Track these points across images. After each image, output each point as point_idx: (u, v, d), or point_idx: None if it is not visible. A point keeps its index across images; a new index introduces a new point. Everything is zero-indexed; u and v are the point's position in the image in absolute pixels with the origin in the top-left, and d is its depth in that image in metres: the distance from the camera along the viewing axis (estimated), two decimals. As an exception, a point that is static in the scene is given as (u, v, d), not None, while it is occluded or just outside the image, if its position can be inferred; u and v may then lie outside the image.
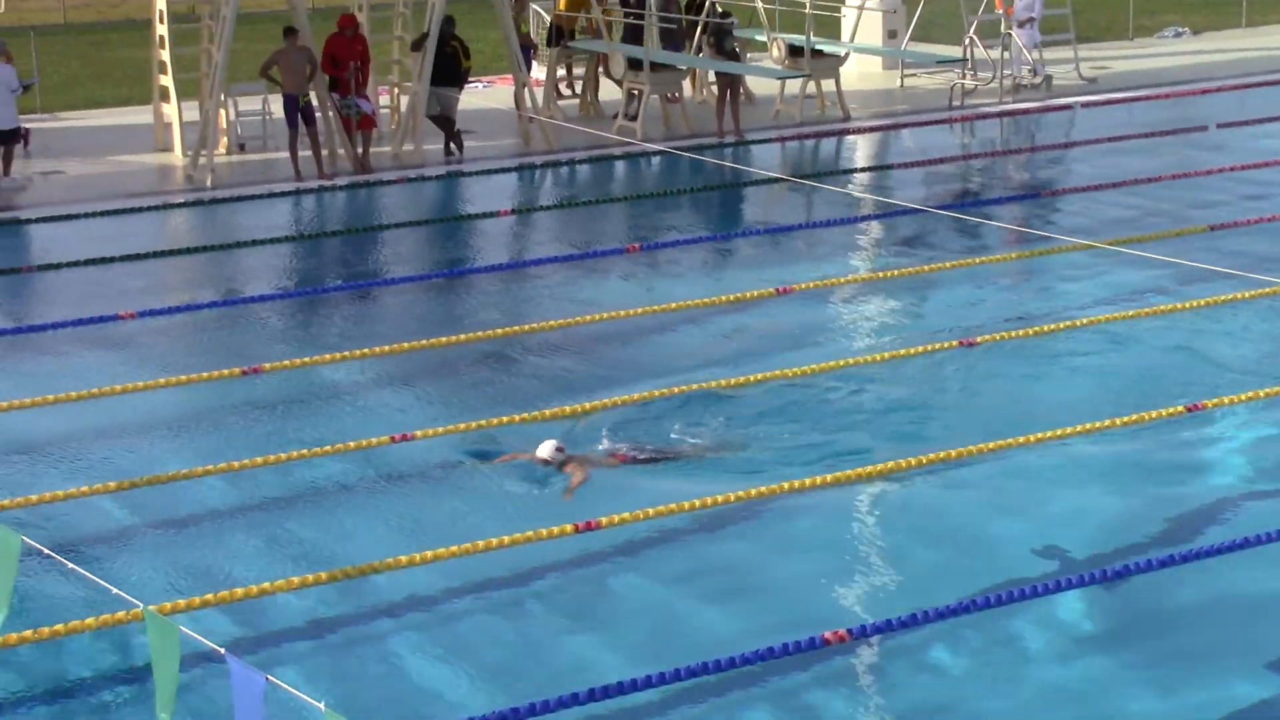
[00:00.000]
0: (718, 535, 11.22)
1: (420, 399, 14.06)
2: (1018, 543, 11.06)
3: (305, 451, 12.46)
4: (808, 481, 11.75)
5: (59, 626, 9.51)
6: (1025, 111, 27.09)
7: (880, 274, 17.63)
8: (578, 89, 28.22)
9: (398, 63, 25.99)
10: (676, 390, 13.69)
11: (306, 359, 14.79)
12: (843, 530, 11.30)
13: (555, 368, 14.84)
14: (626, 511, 11.15)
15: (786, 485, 11.68)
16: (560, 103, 27.36)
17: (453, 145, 24.51)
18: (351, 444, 12.59)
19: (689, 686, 9.10)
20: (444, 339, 15.26)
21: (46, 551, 7.08)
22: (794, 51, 26.95)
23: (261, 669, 5.62)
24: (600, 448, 12.49)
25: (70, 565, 6.72)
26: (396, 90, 26.01)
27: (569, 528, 10.86)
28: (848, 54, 27.85)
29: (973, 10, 28.55)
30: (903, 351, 14.75)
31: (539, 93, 26.23)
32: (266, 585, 10.12)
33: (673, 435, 12.77)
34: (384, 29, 26.18)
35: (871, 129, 26.13)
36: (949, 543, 11.12)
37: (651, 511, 11.17)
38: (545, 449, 12.17)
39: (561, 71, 28.36)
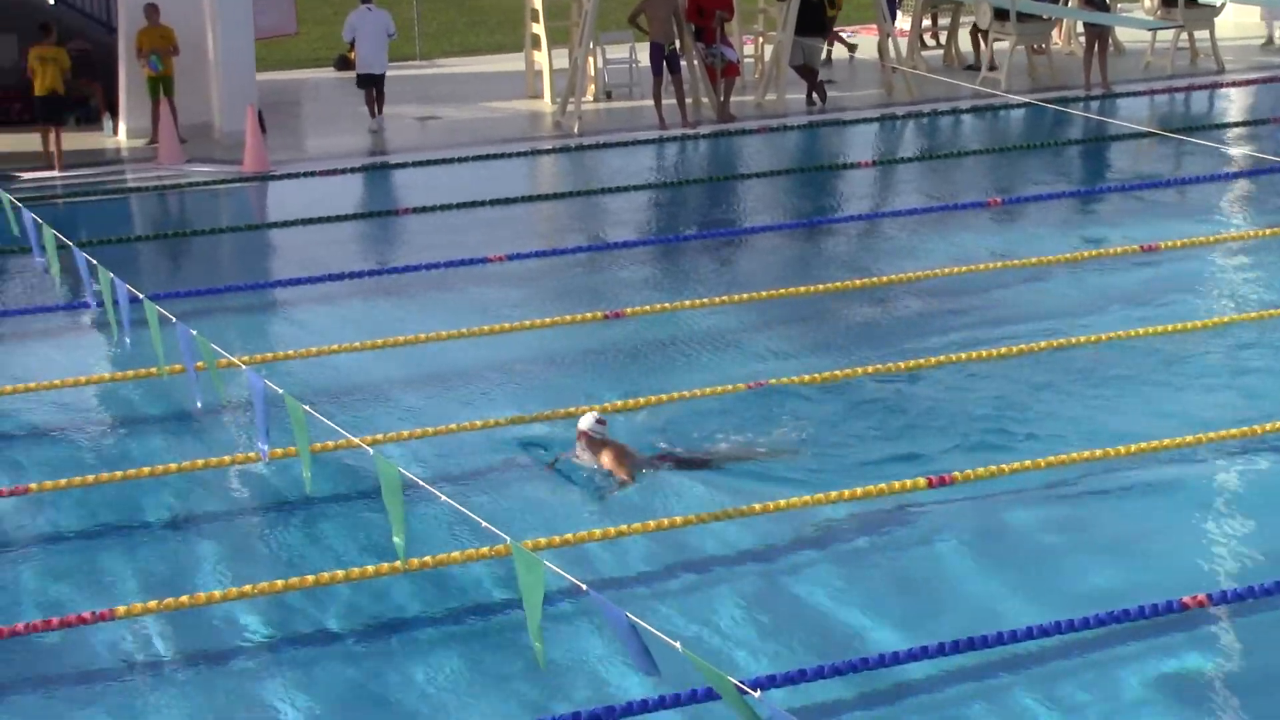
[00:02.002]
0: (1076, 494, 11.07)
1: (777, 347, 14.18)
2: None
3: (664, 396, 12.69)
4: (1167, 442, 11.51)
5: (427, 558, 9.95)
6: None
7: (1251, 233, 17.08)
8: (942, 39, 27.95)
9: (763, 12, 26.13)
10: (1042, 346, 13.53)
11: (666, 304, 15.04)
12: (1206, 493, 11.05)
13: (911, 319, 14.81)
14: (981, 467, 11.12)
15: (1147, 445, 11.47)
16: (924, 53, 27.14)
17: (815, 95, 24.55)
18: (708, 389, 12.78)
19: (1043, 644, 9.05)
20: (802, 288, 15.35)
21: (421, 484, 7.44)
22: (1167, 1, 26.21)
23: (621, 606, 5.81)
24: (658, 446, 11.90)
25: (443, 498, 7.06)
26: (761, 39, 26.16)
27: (922, 481, 10.88)
28: (1223, 4, 26.95)
29: (1361, -42, 27.33)
30: (1273, 313, 14.32)
31: (903, 43, 26.08)
32: (624, 527, 10.37)
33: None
34: (750, -22, 26.35)
35: (1246, 82, 25.26)
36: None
37: (1006, 468, 11.11)
38: (585, 420, 11.48)
39: (926, 22, 28.12)
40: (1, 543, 10.81)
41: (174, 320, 9.29)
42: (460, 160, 21.59)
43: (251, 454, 11.73)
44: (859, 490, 10.80)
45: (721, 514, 10.55)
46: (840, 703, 8.62)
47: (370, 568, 9.93)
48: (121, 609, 9.49)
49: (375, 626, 9.58)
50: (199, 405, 10.87)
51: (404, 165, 21.64)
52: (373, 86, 24.00)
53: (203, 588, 9.95)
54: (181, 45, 22.66)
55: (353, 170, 21.52)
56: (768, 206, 19.54)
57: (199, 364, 8.69)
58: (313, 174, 21.19)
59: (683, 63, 23.58)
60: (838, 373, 13.11)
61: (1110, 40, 25.81)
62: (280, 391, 7.74)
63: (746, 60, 26.03)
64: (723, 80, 23.92)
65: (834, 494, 10.74)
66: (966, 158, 21.45)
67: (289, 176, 21.09)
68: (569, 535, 10.26)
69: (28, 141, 22.33)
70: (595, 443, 11.36)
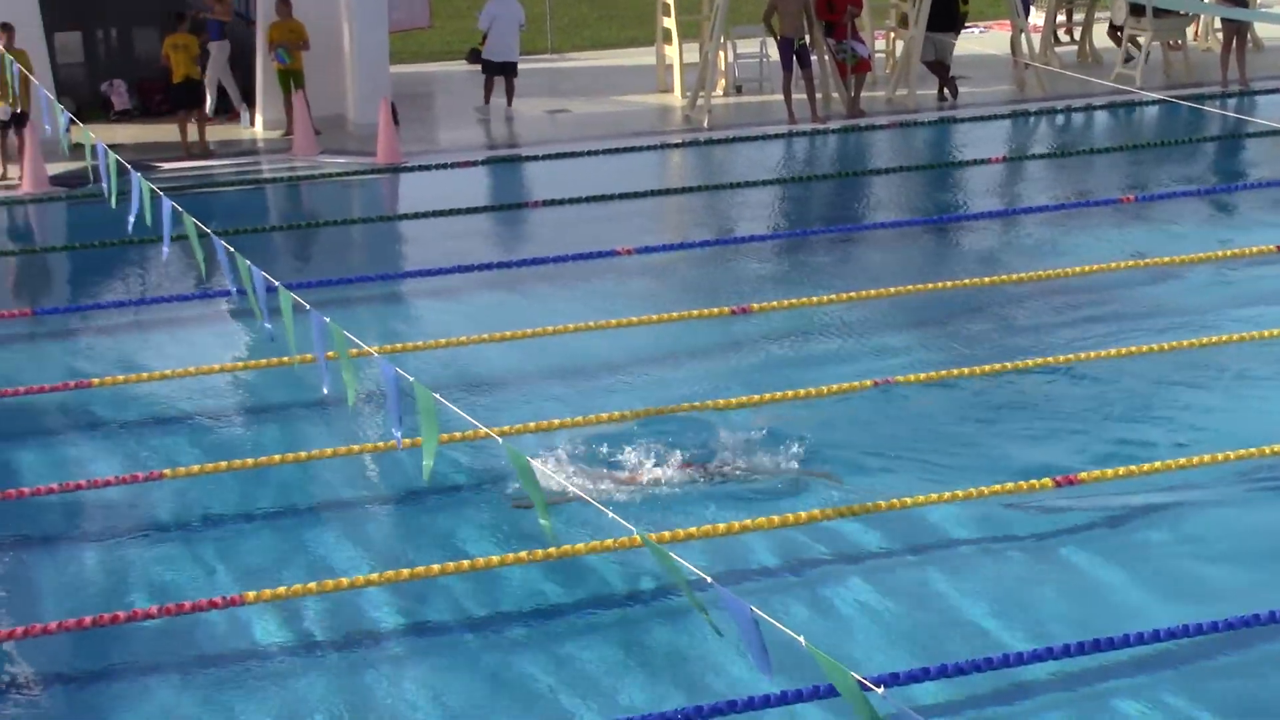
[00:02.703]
0: (1208, 496, 10.93)
1: (903, 344, 14.14)
2: None
3: (789, 393, 12.66)
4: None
5: (551, 549, 10.01)
6: None
7: (1391, 234, 16.79)
8: (1076, 35, 27.70)
9: (895, 7, 26.01)
10: (1173, 345, 13.36)
11: (793, 300, 15.03)
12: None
13: (1040, 317, 14.70)
14: (1109, 468, 11.04)
15: None
16: (1057, 49, 26.90)
17: (946, 91, 24.43)
18: (833, 386, 12.74)
19: (1171, 647, 8.96)
20: (929, 285, 15.27)
21: (550, 474, 7.49)
22: (1309, -3, 25.83)
23: (745, 599, 5.85)
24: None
25: (572, 489, 7.13)
26: (893, 35, 26.06)
27: (1048, 482, 10.80)
28: (1368, 0, 26.51)
29: None
30: None
31: (1036, 39, 25.87)
32: (748, 522, 10.37)
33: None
34: (882, -27, 26.25)
35: (1390, 80, 24.81)
36: None
37: (1135, 470, 10.98)
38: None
39: (1060, 17, 27.88)
40: (131, 528, 11.01)
41: (308, 308, 9.40)
42: (590, 153, 21.71)
43: (380, 443, 11.91)
44: (984, 489, 10.75)
45: (845, 510, 10.52)
46: (963, 702, 8.62)
47: (495, 558, 10.02)
48: (251, 594, 9.64)
49: (499, 616, 9.69)
50: (326, 391, 10.95)
51: (534, 158, 21.79)
52: (502, 75, 24.33)
53: (329, 574, 10.09)
54: (316, 38, 22.96)
55: (484, 162, 21.72)
56: (897, 202, 19.48)
57: (330, 353, 8.82)
58: (444, 166, 21.40)
59: (813, 58, 23.55)
60: (964, 370, 13.05)
61: (1249, 36, 25.44)
62: (411, 379, 7.85)
63: (878, 55, 25.95)
64: (853, 76, 23.87)
65: (959, 492, 10.69)
66: (1099, 155, 21.25)
67: (421, 168, 21.30)
68: (692, 529, 10.29)
69: (170, 132, 22.74)
70: None
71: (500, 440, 7.55)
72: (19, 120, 20.79)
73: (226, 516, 11.12)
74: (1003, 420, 12.29)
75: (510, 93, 24.46)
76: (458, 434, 11.47)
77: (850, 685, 5.11)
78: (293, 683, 9.08)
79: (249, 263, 9.61)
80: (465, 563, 9.99)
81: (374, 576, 9.89)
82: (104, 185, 12.64)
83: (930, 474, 11.31)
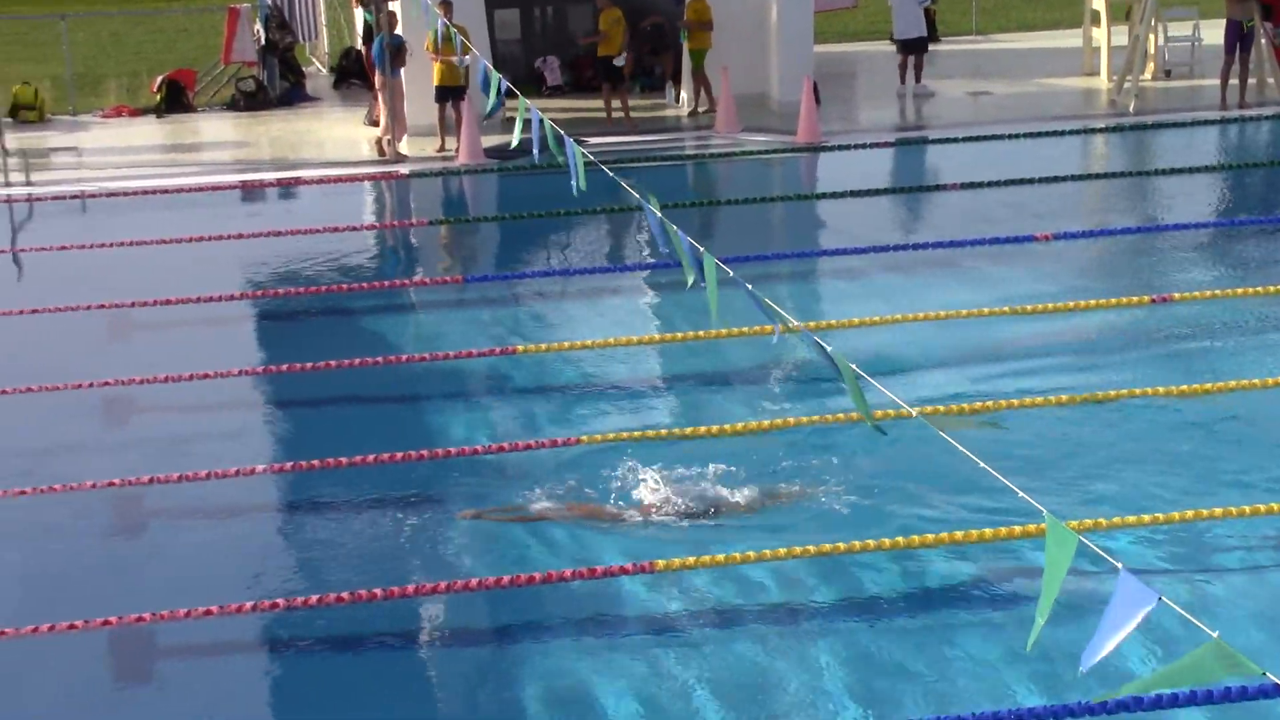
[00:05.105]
0: None
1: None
2: None
3: (1210, 385, 12.30)
4: None
5: (956, 534, 9.96)
6: None
7: None
8: None
9: (1339, -11, 24.97)
10: None
11: (1217, 291, 14.60)
12: None
13: None
14: None
15: None
16: None
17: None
18: (1256, 381, 12.32)
19: None
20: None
21: (966, 453, 7.37)
22: None
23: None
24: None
25: (981, 464, 7.07)
26: (1337, 18, 25.02)
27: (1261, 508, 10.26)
28: None
29: None
30: None
31: None
32: (1174, 515, 10.09)
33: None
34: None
35: None
36: None
37: None
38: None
39: None
40: (547, 492, 11.18)
41: (738, 279, 9.51)
42: (1010, 137, 21.49)
43: (787, 420, 12.03)
44: (1244, 508, 10.18)
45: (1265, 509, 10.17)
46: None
47: (887, 540, 9.94)
48: (660, 562, 9.75)
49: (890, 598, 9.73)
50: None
51: (953, 140, 21.68)
52: (912, 53, 24.35)
53: (722, 549, 10.19)
54: (744, 18, 23.38)
55: (902, 143, 21.70)
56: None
57: (766, 328, 8.96)
58: (863, 146, 21.47)
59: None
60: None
61: None
62: (828, 348, 7.95)
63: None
64: (1287, 59, 23.07)
65: (1250, 508, 10.15)
66: None
67: (840, 148, 21.43)
68: (1101, 520, 10.10)
69: (599, 108, 23.45)
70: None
71: (915, 414, 7.60)
72: (456, 93, 21.65)
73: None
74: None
75: (918, 69, 24.37)
76: (877, 413, 11.51)
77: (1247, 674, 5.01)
78: (687, 652, 9.24)
79: (677, 229, 9.83)
80: (842, 544, 9.80)
81: (750, 555, 9.78)
82: (536, 157, 13.08)
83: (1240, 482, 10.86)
